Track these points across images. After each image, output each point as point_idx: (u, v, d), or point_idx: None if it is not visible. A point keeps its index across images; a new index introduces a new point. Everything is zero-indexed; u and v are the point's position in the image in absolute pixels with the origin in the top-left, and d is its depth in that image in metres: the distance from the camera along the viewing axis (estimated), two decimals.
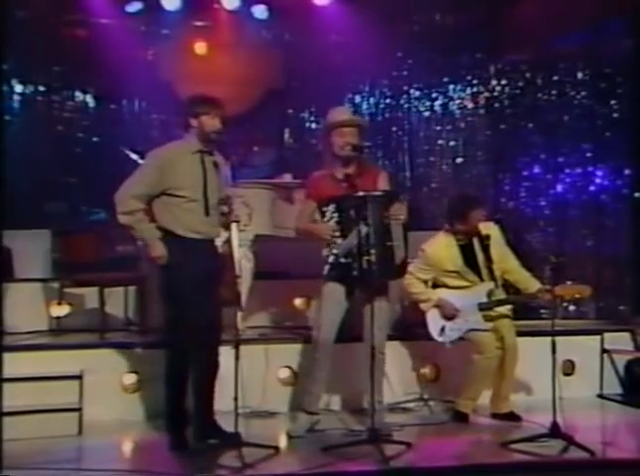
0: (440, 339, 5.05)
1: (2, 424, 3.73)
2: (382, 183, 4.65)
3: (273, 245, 5.68)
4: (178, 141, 4.40)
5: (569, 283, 5.07)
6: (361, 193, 4.41)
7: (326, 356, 4.60)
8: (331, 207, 4.51)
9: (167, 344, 4.45)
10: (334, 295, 4.57)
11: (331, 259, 4.46)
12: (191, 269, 4.26)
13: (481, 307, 5.03)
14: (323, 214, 4.52)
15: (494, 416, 5.10)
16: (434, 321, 5.06)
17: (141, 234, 4.30)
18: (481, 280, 5.07)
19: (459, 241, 5.07)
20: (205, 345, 4.30)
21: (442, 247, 5.07)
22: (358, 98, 8.77)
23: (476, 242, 5.07)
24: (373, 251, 4.33)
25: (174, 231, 4.27)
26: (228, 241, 4.34)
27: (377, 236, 4.37)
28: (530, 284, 5.03)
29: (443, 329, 5.05)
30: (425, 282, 5.12)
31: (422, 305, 5.08)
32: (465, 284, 5.09)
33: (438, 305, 5.06)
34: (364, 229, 4.33)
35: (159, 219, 4.29)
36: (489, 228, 5.12)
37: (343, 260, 4.40)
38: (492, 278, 5.04)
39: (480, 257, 5.04)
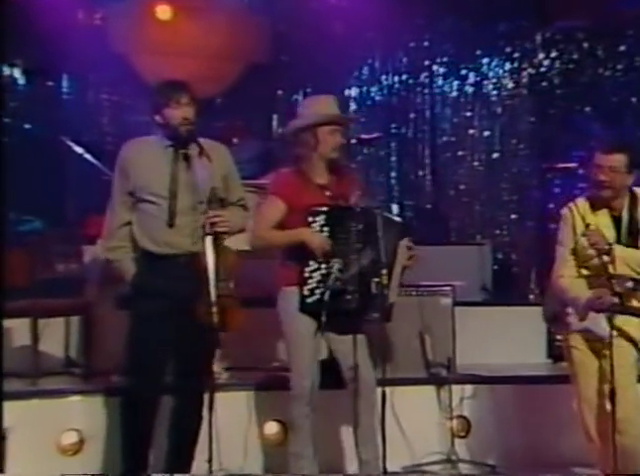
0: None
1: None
2: (356, 196, 4.71)
3: (257, 264, 5.64)
4: (150, 136, 4.53)
5: None
6: (374, 208, 4.53)
7: (304, 408, 4.62)
8: (320, 219, 4.55)
9: (126, 391, 4.48)
10: (308, 329, 4.60)
11: (330, 282, 4.46)
12: (152, 290, 4.33)
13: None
14: (309, 226, 4.57)
15: None
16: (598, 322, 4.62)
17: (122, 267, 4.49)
18: None
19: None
20: (178, 393, 4.36)
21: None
22: (365, 76, 8.84)
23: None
24: (384, 272, 4.41)
25: (139, 243, 4.42)
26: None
27: (380, 265, 4.44)
28: None
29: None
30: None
31: (580, 313, 4.61)
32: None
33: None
34: (370, 253, 4.44)
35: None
36: None
37: (342, 286, 4.46)
38: None
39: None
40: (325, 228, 4.53)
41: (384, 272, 4.40)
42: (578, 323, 4.56)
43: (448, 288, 5.97)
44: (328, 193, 4.63)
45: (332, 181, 4.68)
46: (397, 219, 4.77)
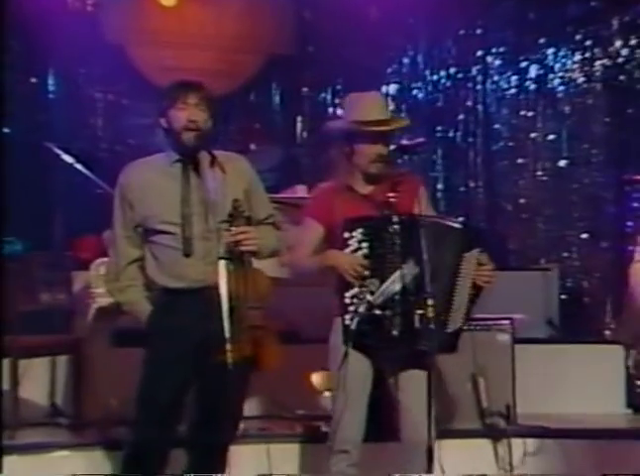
0: None
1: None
2: (424, 203, 4.74)
3: (280, 293, 5.68)
4: (158, 154, 4.56)
5: None
6: (414, 216, 4.52)
7: (351, 464, 4.60)
8: (357, 233, 4.56)
9: (132, 444, 4.47)
10: (358, 368, 4.60)
11: (362, 308, 4.49)
12: (172, 330, 4.40)
13: None
14: (345, 242, 4.58)
15: None
16: None
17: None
18: None
19: None
20: (194, 447, 4.40)
21: None
22: (406, 70, 8.86)
23: None
24: (430, 302, 4.38)
25: (157, 281, 4.45)
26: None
27: (434, 284, 4.42)
28: None
29: None
30: None
31: None
32: None
33: None
34: (412, 270, 4.43)
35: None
36: None
37: (378, 311, 4.47)
38: None
39: None
40: (364, 244, 4.53)
41: (429, 293, 4.36)
42: None
43: (506, 321, 5.98)
44: (375, 204, 4.64)
45: (380, 190, 4.67)
46: (458, 225, 4.69)
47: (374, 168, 4.67)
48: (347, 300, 4.53)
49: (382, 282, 4.47)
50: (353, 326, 4.48)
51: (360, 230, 4.54)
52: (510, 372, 5.90)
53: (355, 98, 4.85)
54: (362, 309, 4.47)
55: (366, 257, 4.51)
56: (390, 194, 4.55)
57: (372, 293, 4.47)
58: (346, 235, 4.54)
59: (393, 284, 4.46)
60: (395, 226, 4.48)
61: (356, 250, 4.54)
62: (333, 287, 4.65)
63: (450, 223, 4.64)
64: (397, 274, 4.45)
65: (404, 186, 4.66)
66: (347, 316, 4.51)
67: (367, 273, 4.49)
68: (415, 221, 4.49)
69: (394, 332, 4.45)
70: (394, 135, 4.76)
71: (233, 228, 4.25)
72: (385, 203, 4.56)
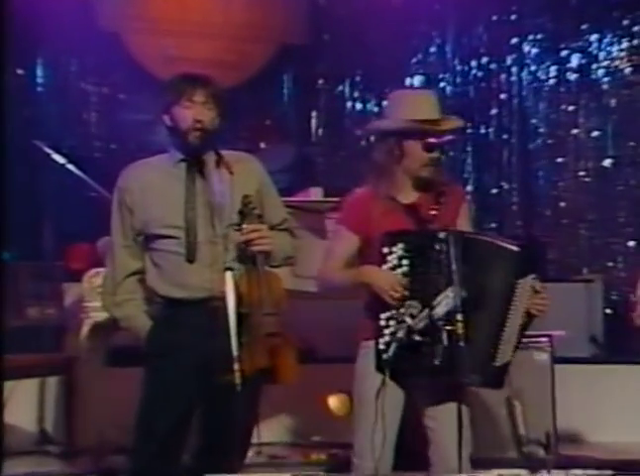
0: None
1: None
2: (464, 219, 4.78)
3: (294, 306, 5.65)
4: (160, 155, 4.58)
5: None
6: (464, 232, 4.51)
7: None
8: (398, 248, 4.51)
9: (132, 473, 4.48)
10: (390, 396, 4.55)
11: (400, 333, 4.44)
12: (176, 346, 4.38)
13: None
14: (383, 258, 4.54)
15: None
16: None
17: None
18: None
19: None
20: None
21: None
22: (433, 60, 8.86)
23: None
24: (478, 331, 4.37)
25: (159, 291, 4.46)
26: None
27: (483, 311, 4.42)
28: None
29: None
30: None
31: None
32: None
33: None
34: (458, 293, 4.36)
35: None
36: None
37: (418, 337, 4.43)
38: None
39: None
40: (404, 261, 4.49)
41: (478, 320, 4.35)
42: None
43: (544, 339, 5.98)
44: (418, 216, 4.62)
45: (424, 200, 4.65)
46: (514, 248, 4.57)
47: (427, 171, 4.63)
48: (382, 323, 4.48)
49: (424, 304, 4.42)
50: (390, 352, 4.44)
51: (401, 245, 4.50)
52: (549, 395, 5.90)
53: (404, 95, 4.86)
54: (401, 334, 4.43)
55: (405, 275, 4.48)
56: (434, 206, 4.56)
57: (412, 316, 4.43)
58: (385, 250, 4.50)
59: (438, 307, 4.40)
60: (442, 243, 4.42)
61: (395, 267, 4.50)
62: (364, 305, 4.64)
63: (505, 244, 4.54)
64: (442, 297, 4.40)
65: (448, 198, 4.64)
66: (381, 340, 4.47)
67: (406, 293, 4.45)
68: (465, 239, 4.45)
69: (436, 362, 4.38)
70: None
71: (244, 226, 4.26)
72: (430, 216, 4.56)
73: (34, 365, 5.91)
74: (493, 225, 8.61)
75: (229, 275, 4.22)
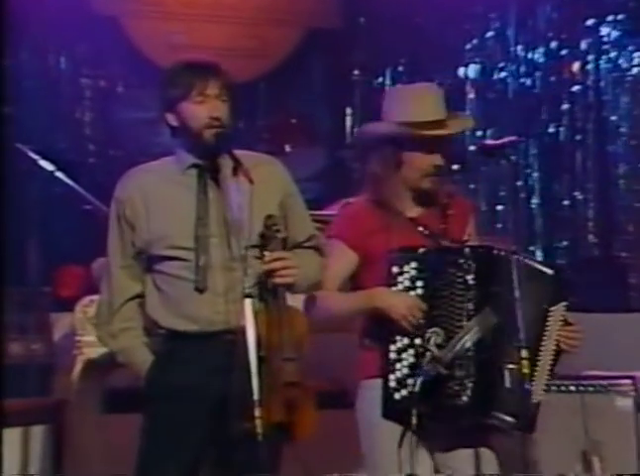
0: None
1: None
2: (471, 229, 4.87)
3: (321, 340, 5.61)
4: (166, 158, 4.59)
5: None
6: (490, 248, 4.57)
7: None
8: (410, 268, 4.59)
9: None
10: (396, 444, 4.56)
11: (428, 366, 4.45)
12: (181, 388, 4.37)
13: None
14: (394, 279, 4.60)
15: None
16: None
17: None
18: None
19: None
20: None
21: None
22: (490, 47, 8.95)
23: None
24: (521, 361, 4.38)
25: (161, 322, 4.46)
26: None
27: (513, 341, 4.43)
28: None
29: None
30: None
31: None
32: None
33: None
34: (489, 320, 4.46)
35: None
36: None
37: (443, 371, 4.44)
38: None
39: None
40: (418, 282, 4.54)
41: (524, 352, 4.34)
42: None
43: (627, 381, 5.98)
44: (423, 230, 4.70)
45: (429, 212, 4.75)
46: (549, 270, 4.66)
47: (427, 182, 4.71)
48: (392, 356, 4.54)
49: (448, 332, 4.47)
50: (411, 389, 4.44)
51: (414, 264, 4.57)
52: (635, 448, 5.90)
53: (402, 92, 4.96)
54: (428, 367, 4.44)
55: (420, 298, 4.56)
56: (442, 220, 4.71)
57: (438, 346, 4.45)
58: (395, 269, 4.57)
59: (467, 335, 4.46)
60: (462, 261, 4.51)
61: (407, 289, 4.58)
62: (362, 335, 4.70)
63: (537, 265, 4.66)
64: (473, 323, 4.46)
65: (454, 210, 4.78)
66: (391, 377, 4.52)
67: (421, 320, 4.53)
68: (493, 257, 4.55)
69: (464, 399, 4.43)
70: (452, 140, 4.82)
71: (266, 253, 4.26)
72: (440, 230, 4.68)
73: (17, 411, 5.84)
74: (564, 244, 8.65)
75: (248, 303, 4.19)
